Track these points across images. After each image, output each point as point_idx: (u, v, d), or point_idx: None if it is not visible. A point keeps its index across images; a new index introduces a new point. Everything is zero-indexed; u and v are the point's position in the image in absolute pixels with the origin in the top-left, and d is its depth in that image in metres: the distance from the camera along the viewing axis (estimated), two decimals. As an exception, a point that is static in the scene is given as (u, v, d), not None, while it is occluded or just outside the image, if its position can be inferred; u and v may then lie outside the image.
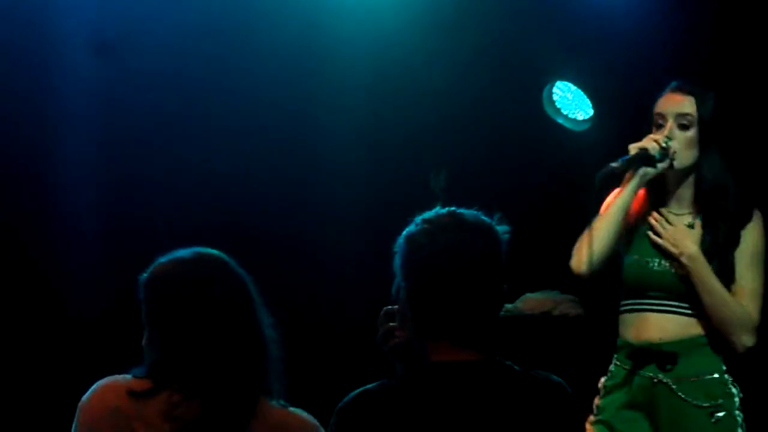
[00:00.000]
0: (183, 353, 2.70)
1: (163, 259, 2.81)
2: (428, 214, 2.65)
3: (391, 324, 2.91)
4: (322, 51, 5.25)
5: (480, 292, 2.58)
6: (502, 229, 2.68)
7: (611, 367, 3.91)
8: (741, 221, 3.87)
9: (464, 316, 2.58)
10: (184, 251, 2.81)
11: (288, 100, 5.26)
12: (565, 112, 5.21)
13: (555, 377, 2.70)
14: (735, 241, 3.86)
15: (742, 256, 3.85)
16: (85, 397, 2.73)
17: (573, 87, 5.23)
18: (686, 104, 3.86)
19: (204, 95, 5.22)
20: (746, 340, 3.81)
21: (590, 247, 3.73)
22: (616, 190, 3.88)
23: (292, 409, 2.80)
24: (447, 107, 5.30)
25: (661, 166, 3.80)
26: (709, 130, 3.86)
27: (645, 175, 3.80)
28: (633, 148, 3.79)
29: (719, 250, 3.83)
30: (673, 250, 3.81)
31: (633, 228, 3.91)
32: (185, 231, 4.99)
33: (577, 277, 3.80)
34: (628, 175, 3.81)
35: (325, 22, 5.23)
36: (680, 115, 3.85)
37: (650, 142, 3.80)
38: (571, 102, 5.20)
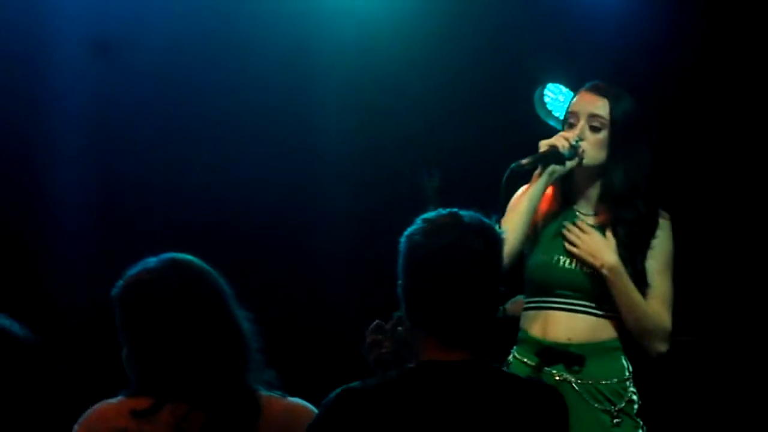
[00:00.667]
0: (168, 363, 2.70)
1: (132, 271, 2.81)
2: (429, 214, 2.69)
3: (379, 336, 2.94)
4: (316, 53, 5.28)
5: (475, 292, 2.61)
6: (500, 231, 2.73)
7: (509, 359, 3.85)
8: (650, 226, 3.84)
9: (457, 314, 2.60)
10: (152, 259, 2.82)
11: (282, 101, 5.28)
12: (556, 114, 5.23)
13: (545, 381, 2.74)
14: (645, 246, 3.83)
15: (654, 261, 3.83)
16: (82, 422, 2.69)
17: (564, 89, 5.26)
18: (600, 105, 3.81)
19: (197, 96, 5.24)
20: (661, 347, 3.81)
21: (510, 239, 3.63)
22: (524, 187, 3.83)
23: (290, 398, 2.82)
24: (440, 108, 5.33)
25: (569, 164, 3.76)
26: (620, 133, 3.81)
27: (553, 173, 3.76)
28: (543, 145, 3.76)
29: (630, 254, 3.80)
30: (592, 261, 3.76)
31: (540, 226, 3.87)
32: (179, 230, 5.04)
33: None
34: (536, 173, 3.77)
35: (318, 25, 5.27)
36: (592, 116, 3.81)
37: (561, 140, 3.76)
38: (562, 104, 5.19)
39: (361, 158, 5.31)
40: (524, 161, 3.71)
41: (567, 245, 3.82)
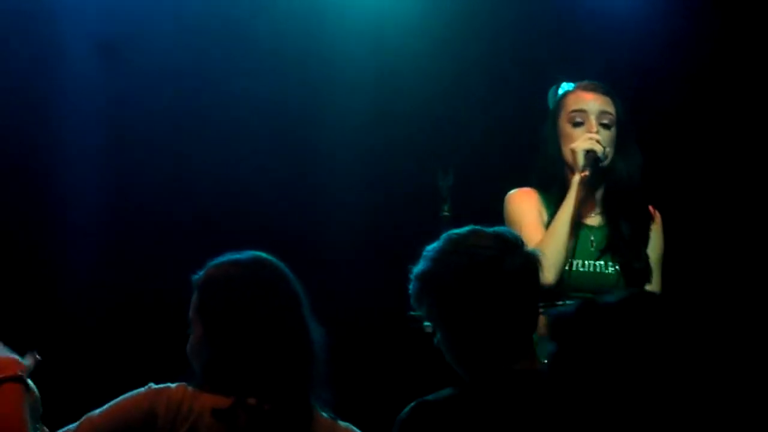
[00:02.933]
0: (239, 359, 2.70)
1: (218, 261, 2.81)
2: (449, 235, 2.70)
3: None
4: (325, 51, 5.25)
5: (519, 311, 2.64)
6: (533, 251, 2.73)
7: None
8: (647, 220, 3.86)
9: (507, 332, 2.62)
10: (240, 254, 2.81)
11: (291, 102, 5.25)
12: (570, 112, 5.19)
13: None
14: (645, 239, 3.84)
15: (651, 255, 3.86)
16: (158, 390, 2.71)
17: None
18: (608, 103, 3.84)
19: (205, 96, 5.20)
20: None
21: (554, 255, 3.67)
22: (520, 191, 3.86)
23: (340, 422, 2.80)
24: (453, 107, 5.29)
25: (601, 167, 3.79)
26: (625, 130, 3.84)
27: (581, 181, 3.76)
28: (580, 150, 3.75)
29: (636, 249, 3.81)
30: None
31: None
32: (188, 230, 5.04)
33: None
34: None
35: (328, 23, 5.24)
36: (603, 113, 3.82)
37: (595, 144, 3.76)
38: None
39: (373, 158, 5.29)
40: (586, 173, 3.72)
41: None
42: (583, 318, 1.98)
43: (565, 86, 5.20)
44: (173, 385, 2.71)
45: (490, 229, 2.70)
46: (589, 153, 3.74)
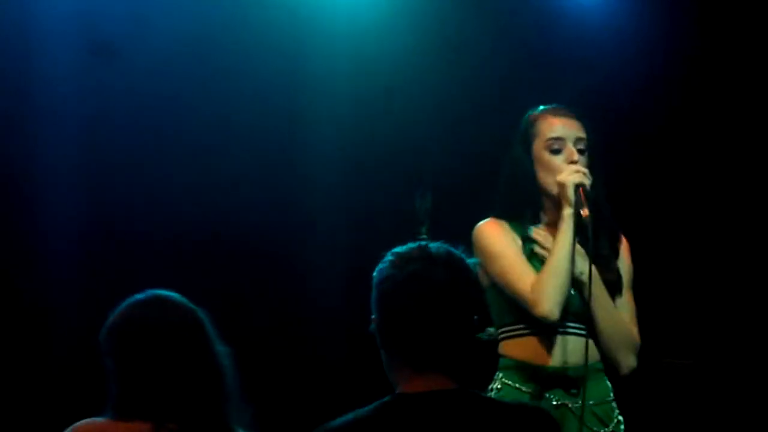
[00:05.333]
0: (154, 393, 2.81)
1: (120, 308, 2.92)
2: (398, 248, 2.71)
3: None
4: (305, 72, 5.27)
5: (441, 320, 2.60)
6: (471, 261, 2.72)
7: (496, 385, 3.79)
8: (616, 243, 3.86)
9: (424, 342, 2.60)
10: (140, 295, 2.92)
11: (271, 124, 5.26)
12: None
13: (531, 404, 2.72)
14: (616, 254, 3.85)
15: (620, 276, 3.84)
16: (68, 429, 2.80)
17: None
18: (581, 128, 3.83)
19: (183, 116, 5.20)
20: (632, 360, 3.80)
21: (557, 291, 3.66)
22: (490, 223, 3.82)
23: None
24: (432, 130, 5.32)
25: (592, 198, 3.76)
26: (595, 153, 3.84)
27: (585, 218, 3.71)
28: (570, 184, 3.71)
29: (607, 269, 3.79)
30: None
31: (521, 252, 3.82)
32: (166, 243, 5.03)
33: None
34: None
35: (311, 41, 5.26)
36: (579, 140, 3.81)
37: (582, 177, 3.73)
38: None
39: (352, 181, 5.31)
40: (587, 212, 3.68)
41: (537, 248, 3.78)
42: None
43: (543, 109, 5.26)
44: (81, 423, 2.82)
45: (434, 244, 2.71)
46: (579, 187, 3.72)
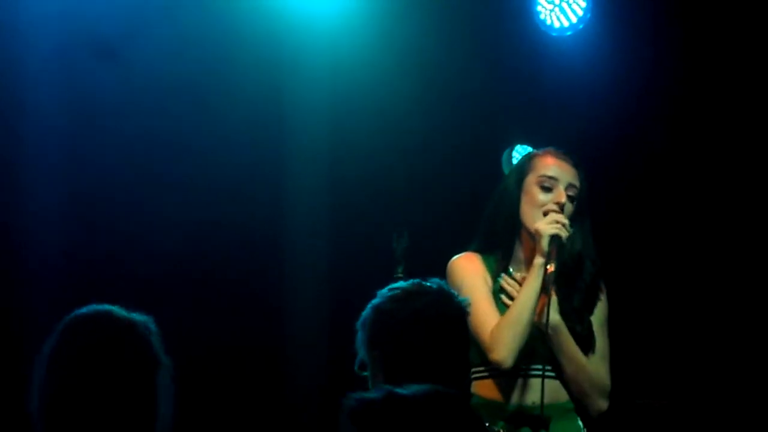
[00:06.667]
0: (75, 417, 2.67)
1: (66, 320, 2.79)
2: (394, 284, 2.75)
3: None
4: (285, 103, 5.32)
5: (447, 355, 2.66)
6: (463, 300, 2.76)
7: None
8: (595, 291, 3.88)
9: (436, 376, 2.58)
10: (87, 309, 2.79)
11: (248, 159, 5.28)
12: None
13: None
14: (591, 310, 3.85)
15: (594, 321, 3.86)
16: None
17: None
18: (576, 175, 3.85)
19: (159, 147, 5.20)
20: (602, 404, 3.83)
21: (514, 340, 3.67)
22: (468, 256, 3.83)
23: None
24: (407, 170, 5.34)
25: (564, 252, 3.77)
26: (584, 203, 3.86)
27: (552, 273, 3.73)
28: (545, 236, 3.71)
29: (579, 316, 3.81)
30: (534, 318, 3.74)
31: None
32: (143, 262, 5.01)
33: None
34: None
35: (290, 78, 5.31)
36: (571, 186, 3.83)
37: (561, 230, 3.74)
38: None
39: (329, 221, 5.32)
40: (552, 268, 3.69)
41: (504, 297, 3.80)
42: (386, 408, 2.03)
43: (520, 149, 5.29)
44: None
45: (427, 283, 2.74)
46: (554, 238, 3.73)
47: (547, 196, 3.82)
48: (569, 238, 3.77)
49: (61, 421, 2.70)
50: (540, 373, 3.75)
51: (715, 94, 5.33)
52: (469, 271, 3.83)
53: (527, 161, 3.95)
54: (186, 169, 5.23)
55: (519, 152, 5.29)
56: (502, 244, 3.88)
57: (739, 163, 5.34)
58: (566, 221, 3.76)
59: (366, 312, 2.72)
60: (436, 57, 5.34)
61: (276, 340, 5.36)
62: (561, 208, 3.79)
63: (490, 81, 5.38)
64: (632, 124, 5.31)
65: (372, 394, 2.10)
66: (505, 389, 3.76)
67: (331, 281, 5.23)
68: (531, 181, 3.86)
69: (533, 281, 3.73)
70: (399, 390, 2.09)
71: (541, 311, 3.75)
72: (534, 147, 5.20)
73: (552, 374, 3.78)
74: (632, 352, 5.01)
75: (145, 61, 5.12)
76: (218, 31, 5.18)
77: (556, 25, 5.39)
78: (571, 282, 3.83)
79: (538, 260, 3.73)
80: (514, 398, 3.77)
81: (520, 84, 5.38)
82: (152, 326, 2.79)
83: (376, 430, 2.05)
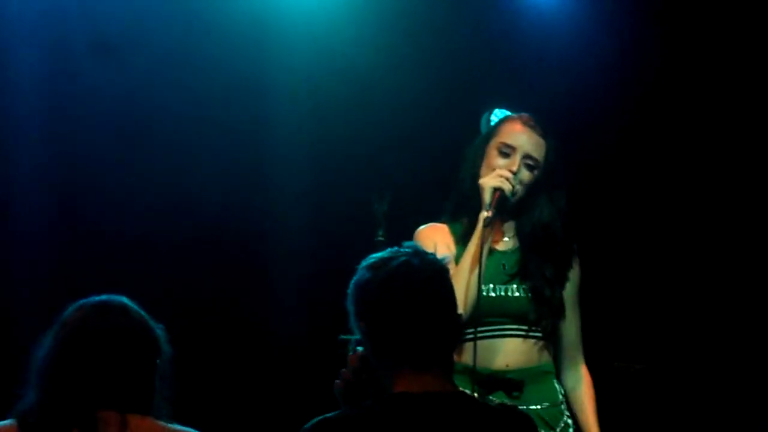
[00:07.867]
0: (76, 400, 2.74)
1: (71, 309, 2.86)
2: (370, 258, 2.74)
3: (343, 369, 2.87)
4: (267, 71, 5.29)
5: (432, 312, 2.64)
6: (442, 257, 2.76)
7: None
8: (565, 262, 3.88)
9: (423, 338, 2.62)
10: (91, 299, 2.86)
11: (233, 123, 5.28)
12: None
13: (519, 409, 2.75)
14: (563, 280, 3.87)
15: (567, 296, 3.87)
16: None
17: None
18: (539, 145, 3.84)
19: (147, 121, 5.20)
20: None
21: (461, 290, 3.64)
22: (434, 226, 3.85)
23: (177, 426, 2.82)
24: (388, 132, 5.34)
25: (508, 206, 3.78)
26: (551, 174, 3.85)
27: (486, 219, 3.73)
28: (488, 187, 3.73)
29: (550, 286, 3.82)
30: None
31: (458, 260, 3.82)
32: (133, 244, 5.06)
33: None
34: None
35: (273, 45, 5.27)
36: (530, 156, 3.82)
37: (505, 183, 3.74)
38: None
39: (310, 184, 5.32)
40: (490, 213, 3.70)
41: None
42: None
43: (498, 113, 5.29)
44: (2, 424, 2.77)
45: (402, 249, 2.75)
46: (496, 191, 3.74)
47: (503, 161, 3.83)
48: (517, 195, 3.78)
49: (62, 384, 2.76)
50: (515, 333, 3.79)
51: (695, 66, 5.34)
52: (430, 240, 3.80)
53: (496, 126, 3.96)
54: (169, 133, 5.24)
55: (497, 116, 5.27)
56: (465, 214, 3.88)
57: (714, 133, 5.36)
58: (510, 176, 3.75)
59: (349, 289, 2.73)
60: (419, 20, 5.33)
61: (255, 301, 5.38)
62: (513, 175, 3.79)
63: (473, 43, 5.37)
64: (611, 94, 5.32)
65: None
66: (479, 352, 3.72)
67: (313, 244, 5.24)
68: (492, 145, 3.88)
69: (476, 234, 3.75)
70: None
71: (495, 242, 3.82)
72: (513, 112, 5.28)
73: (524, 333, 3.79)
74: (610, 317, 5.05)
75: (138, 57, 5.15)
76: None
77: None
78: (542, 252, 3.84)
79: (482, 214, 3.75)
80: (487, 361, 3.76)
81: (502, 47, 5.38)
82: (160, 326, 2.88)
83: None
